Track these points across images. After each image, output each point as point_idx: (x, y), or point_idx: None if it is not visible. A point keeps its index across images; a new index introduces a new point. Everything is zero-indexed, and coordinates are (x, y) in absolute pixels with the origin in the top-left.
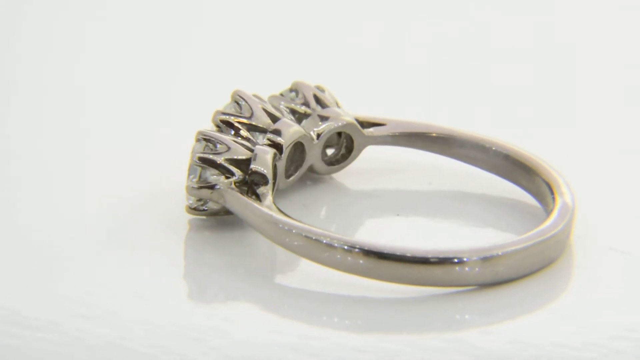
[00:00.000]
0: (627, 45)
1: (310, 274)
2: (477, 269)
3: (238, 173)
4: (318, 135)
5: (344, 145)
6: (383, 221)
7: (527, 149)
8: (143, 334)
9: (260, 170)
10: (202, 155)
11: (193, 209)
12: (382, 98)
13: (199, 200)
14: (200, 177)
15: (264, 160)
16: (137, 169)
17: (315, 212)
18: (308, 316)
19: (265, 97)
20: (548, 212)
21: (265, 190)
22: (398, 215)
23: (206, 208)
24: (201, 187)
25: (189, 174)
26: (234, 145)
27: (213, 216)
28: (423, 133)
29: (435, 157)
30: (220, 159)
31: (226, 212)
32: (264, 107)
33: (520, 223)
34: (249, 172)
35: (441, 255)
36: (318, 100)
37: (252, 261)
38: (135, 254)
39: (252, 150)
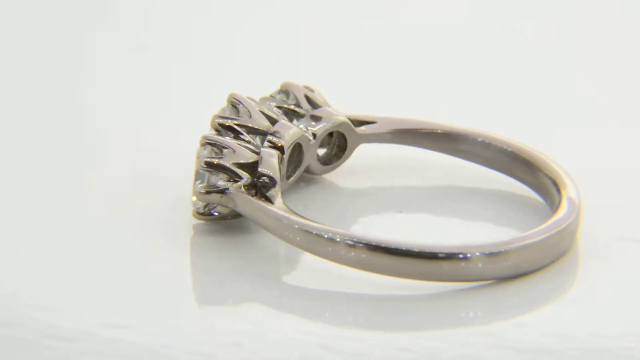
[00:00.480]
0: (626, 39)
1: (320, 273)
2: (499, 263)
3: (246, 176)
4: (314, 136)
5: (337, 145)
6: (385, 219)
7: (524, 143)
8: (184, 341)
9: (268, 174)
10: (209, 159)
11: (201, 214)
12: (365, 96)
13: (207, 205)
14: (208, 182)
15: (271, 162)
16: (139, 174)
17: (317, 212)
18: (334, 317)
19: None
20: (553, 204)
21: (275, 192)
22: (400, 212)
23: (215, 213)
24: (210, 192)
25: (196, 180)
26: (239, 149)
27: (221, 220)
28: (415, 129)
29: (427, 153)
30: (228, 163)
31: (233, 215)
32: (261, 110)
33: (517, 215)
34: (258, 175)
35: (465, 251)
36: (309, 101)
37: (263, 264)
38: (146, 260)
39: (257, 153)
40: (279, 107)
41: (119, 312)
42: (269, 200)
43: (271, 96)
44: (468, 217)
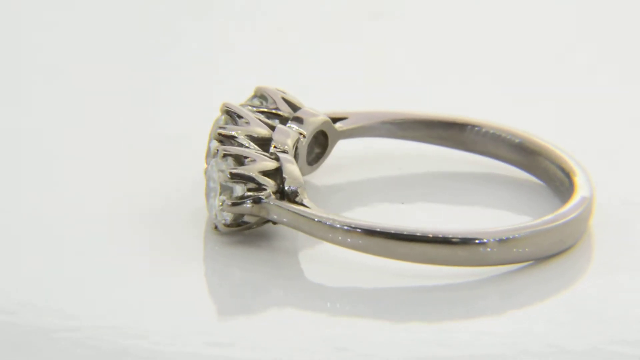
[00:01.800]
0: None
1: (337, 269)
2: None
3: (271, 184)
4: (303, 137)
5: (318, 143)
6: (389, 209)
7: (506, 124)
8: (298, 353)
9: (295, 178)
10: (237, 171)
11: (228, 226)
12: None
13: (235, 216)
14: (234, 193)
15: (292, 168)
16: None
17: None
18: (369, 314)
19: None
20: (561, 188)
21: (303, 196)
22: (403, 203)
23: (242, 222)
24: (241, 203)
25: (221, 192)
26: (260, 158)
27: (247, 230)
28: (390, 121)
29: (403, 143)
30: (254, 173)
31: (260, 224)
32: (258, 117)
33: (505, 199)
34: (284, 181)
35: (502, 236)
36: (288, 103)
37: (284, 267)
38: (166, 276)
39: (276, 159)
40: (261, 112)
41: (217, 332)
42: (301, 204)
43: (249, 102)
44: (480, 204)
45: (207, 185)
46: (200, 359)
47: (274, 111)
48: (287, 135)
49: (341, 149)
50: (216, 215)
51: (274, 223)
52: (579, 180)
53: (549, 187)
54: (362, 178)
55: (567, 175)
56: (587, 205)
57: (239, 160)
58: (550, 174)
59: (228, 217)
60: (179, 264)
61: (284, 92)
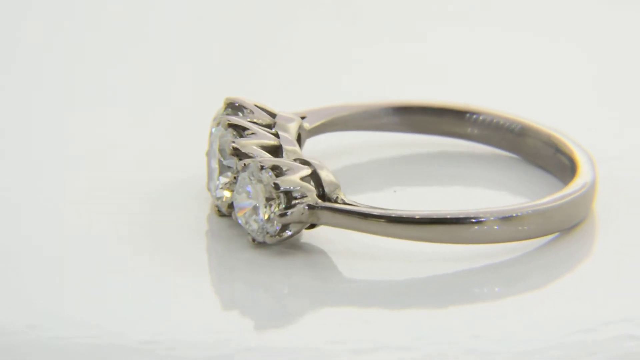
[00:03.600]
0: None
1: (347, 265)
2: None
3: (312, 190)
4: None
5: None
6: (383, 197)
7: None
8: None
9: (333, 181)
10: (282, 180)
11: (273, 237)
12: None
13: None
14: (280, 204)
15: (327, 172)
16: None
17: None
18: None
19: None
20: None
21: (343, 196)
22: (395, 191)
23: (290, 232)
24: (288, 213)
25: (266, 204)
26: (296, 166)
27: (289, 239)
28: (351, 114)
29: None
30: (298, 181)
31: (300, 231)
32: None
33: (487, 178)
34: (322, 185)
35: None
36: (265, 111)
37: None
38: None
39: (309, 165)
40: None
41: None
42: (345, 203)
43: (225, 113)
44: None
45: (236, 202)
46: None
47: (257, 120)
48: (292, 143)
49: (311, 146)
50: (261, 228)
51: (311, 227)
52: (581, 163)
53: (551, 173)
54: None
55: (570, 159)
56: (590, 188)
57: (277, 170)
58: (551, 158)
59: (278, 226)
60: (221, 274)
61: (254, 101)
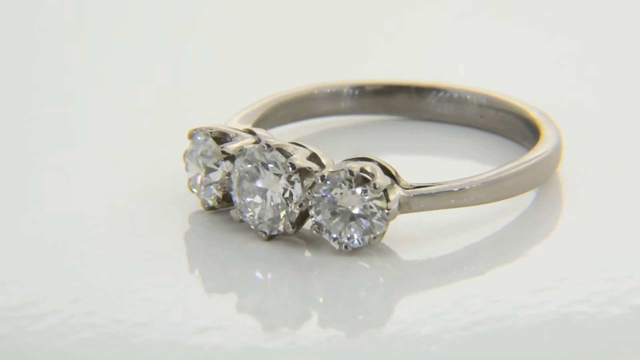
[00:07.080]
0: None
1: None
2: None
3: (390, 180)
4: None
5: None
6: None
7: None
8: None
9: (392, 167)
10: (377, 186)
11: (376, 239)
12: None
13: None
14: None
15: (374, 163)
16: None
17: None
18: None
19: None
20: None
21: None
22: None
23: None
24: (396, 210)
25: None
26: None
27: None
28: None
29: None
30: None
31: None
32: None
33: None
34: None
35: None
36: (246, 131)
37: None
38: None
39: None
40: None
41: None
42: (418, 186)
43: (203, 146)
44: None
45: (320, 223)
46: None
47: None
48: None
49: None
50: (365, 239)
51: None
52: (545, 130)
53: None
54: None
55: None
56: (555, 150)
57: (359, 181)
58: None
59: (381, 230)
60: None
61: (223, 124)
